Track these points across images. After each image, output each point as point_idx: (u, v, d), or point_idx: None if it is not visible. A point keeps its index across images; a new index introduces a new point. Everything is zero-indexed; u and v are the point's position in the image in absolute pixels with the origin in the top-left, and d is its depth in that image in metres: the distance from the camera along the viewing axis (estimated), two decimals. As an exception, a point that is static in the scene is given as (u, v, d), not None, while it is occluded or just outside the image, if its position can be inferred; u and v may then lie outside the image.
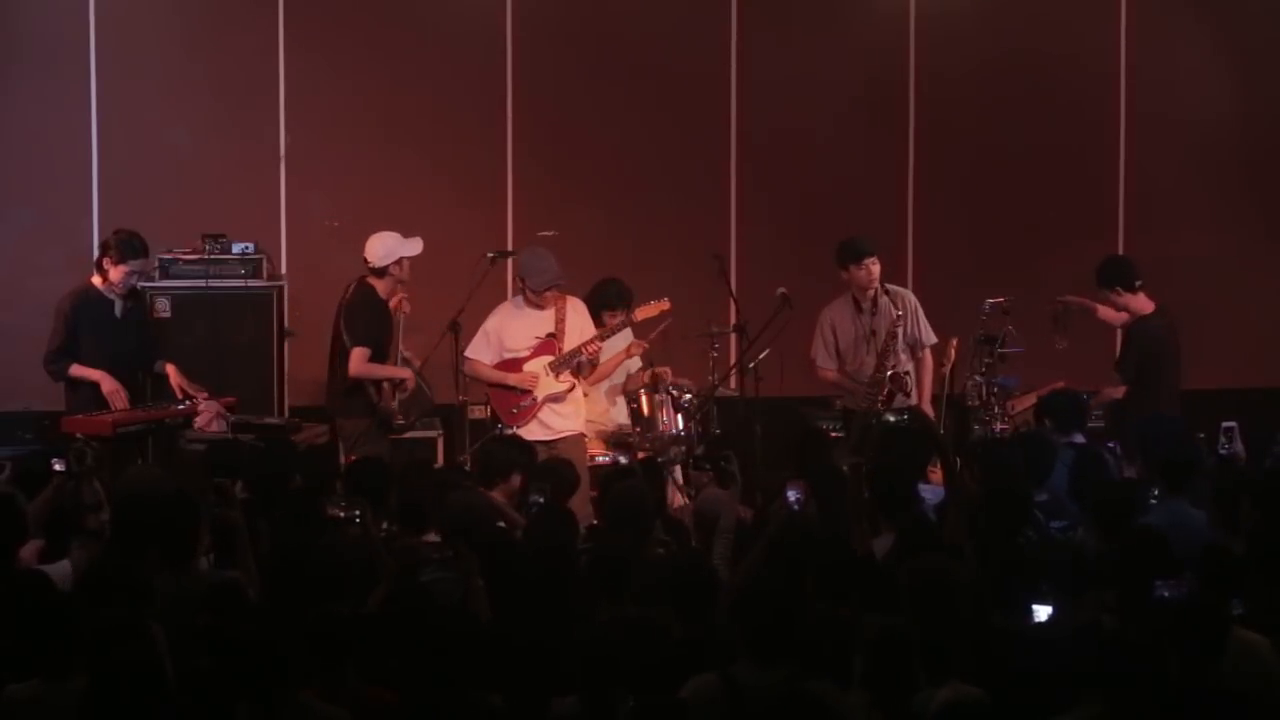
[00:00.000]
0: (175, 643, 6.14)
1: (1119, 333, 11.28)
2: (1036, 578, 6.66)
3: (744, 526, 8.16)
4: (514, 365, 10.13)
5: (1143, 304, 10.51)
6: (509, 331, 10.14)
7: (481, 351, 10.16)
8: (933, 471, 9.10)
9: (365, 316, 10.00)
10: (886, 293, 10.37)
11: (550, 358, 10.07)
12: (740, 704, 5.84)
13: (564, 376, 10.06)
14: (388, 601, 6.65)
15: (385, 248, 10.06)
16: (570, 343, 10.07)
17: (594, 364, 10.16)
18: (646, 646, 5.90)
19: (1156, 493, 8.16)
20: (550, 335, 10.10)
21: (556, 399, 10.07)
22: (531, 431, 9.98)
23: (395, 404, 10.02)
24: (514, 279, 10.20)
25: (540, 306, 10.10)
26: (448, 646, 5.78)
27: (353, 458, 9.62)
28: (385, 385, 10.02)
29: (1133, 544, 6.88)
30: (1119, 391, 10.41)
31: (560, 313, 10.13)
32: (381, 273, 10.05)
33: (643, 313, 10.25)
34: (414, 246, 10.07)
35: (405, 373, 10.10)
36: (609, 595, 6.75)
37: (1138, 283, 10.52)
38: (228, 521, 7.25)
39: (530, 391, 10.05)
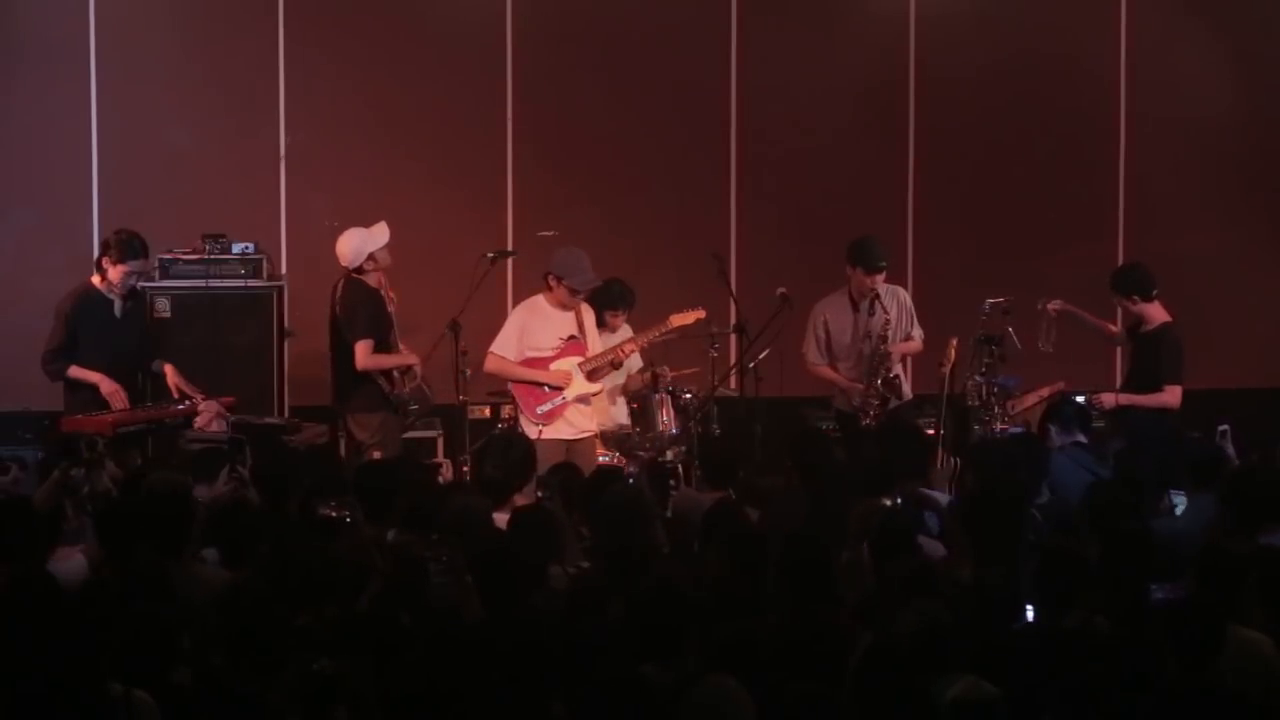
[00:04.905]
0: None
1: (1117, 346, 11.25)
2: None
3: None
4: (538, 364, 10.14)
5: (1159, 312, 10.44)
6: (532, 330, 10.15)
7: (508, 348, 10.15)
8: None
9: (361, 310, 10.07)
10: (878, 297, 10.38)
11: (578, 358, 10.11)
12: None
13: (596, 379, 10.13)
14: (375, 603, 6.62)
15: (351, 247, 10.14)
16: (590, 344, 10.15)
17: (618, 366, 10.26)
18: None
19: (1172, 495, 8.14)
20: (573, 337, 10.14)
21: (583, 399, 10.12)
22: (558, 430, 10.03)
23: (408, 391, 10.08)
24: (547, 277, 10.11)
25: (566, 308, 10.13)
26: (434, 649, 5.76)
27: (375, 455, 9.62)
28: (395, 374, 10.08)
29: (1122, 545, 6.88)
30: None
31: (580, 315, 10.18)
32: (359, 271, 10.11)
33: (679, 319, 10.30)
34: (380, 236, 10.15)
35: (412, 358, 10.19)
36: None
37: (1154, 291, 10.48)
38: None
39: (561, 389, 10.07)
